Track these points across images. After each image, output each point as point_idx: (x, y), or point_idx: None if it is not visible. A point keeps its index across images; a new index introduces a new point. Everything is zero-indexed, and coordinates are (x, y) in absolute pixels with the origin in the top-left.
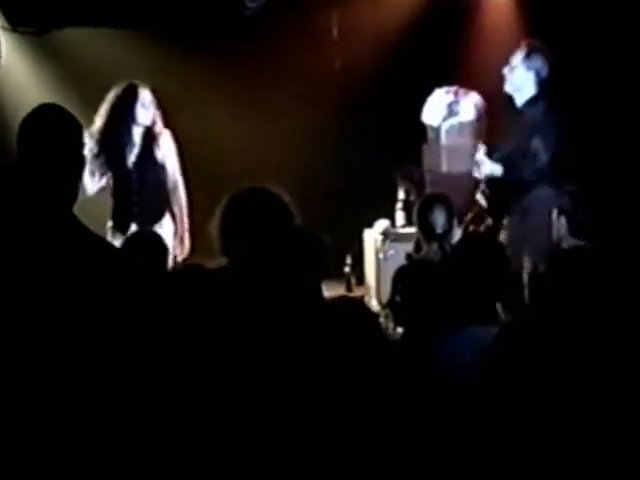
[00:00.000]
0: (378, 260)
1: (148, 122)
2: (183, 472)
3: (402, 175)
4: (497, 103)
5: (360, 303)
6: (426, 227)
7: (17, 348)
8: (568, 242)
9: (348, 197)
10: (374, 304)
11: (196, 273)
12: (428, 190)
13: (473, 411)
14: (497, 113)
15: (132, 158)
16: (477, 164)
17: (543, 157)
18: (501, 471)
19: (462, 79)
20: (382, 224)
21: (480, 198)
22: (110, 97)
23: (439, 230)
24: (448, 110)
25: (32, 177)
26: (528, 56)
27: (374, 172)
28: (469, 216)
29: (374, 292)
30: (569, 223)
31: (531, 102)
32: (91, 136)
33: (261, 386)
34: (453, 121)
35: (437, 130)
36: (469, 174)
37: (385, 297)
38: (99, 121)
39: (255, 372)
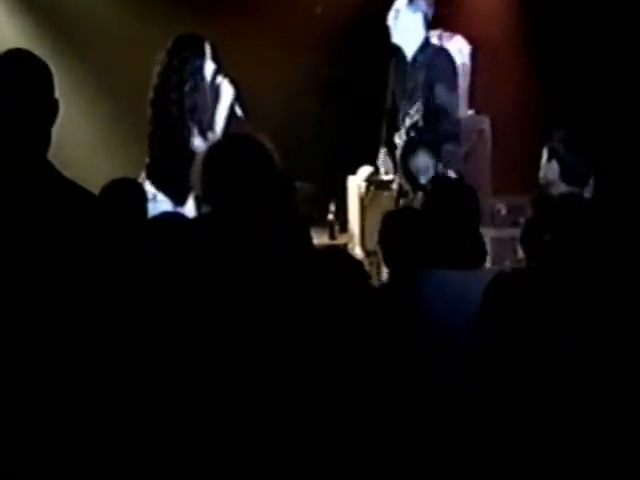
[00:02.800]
0: (362, 207)
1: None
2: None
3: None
4: (484, 48)
5: (345, 252)
6: (410, 174)
7: None
8: (559, 188)
9: (332, 144)
10: (358, 251)
11: (176, 221)
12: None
13: (465, 359)
14: (485, 57)
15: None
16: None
17: (453, 104)
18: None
19: (447, 22)
20: (366, 170)
21: (382, 164)
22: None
23: (422, 180)
24: None
25: (1, 123)
26: (411, 0)
27: (358, 118)
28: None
29: (358, 239)
30: (561, 168)
31: (422, 49)
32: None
33: (245, 337)
34: None
35: None
36: (454, 118)
37: (369, 244)
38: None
39: (237, 324)
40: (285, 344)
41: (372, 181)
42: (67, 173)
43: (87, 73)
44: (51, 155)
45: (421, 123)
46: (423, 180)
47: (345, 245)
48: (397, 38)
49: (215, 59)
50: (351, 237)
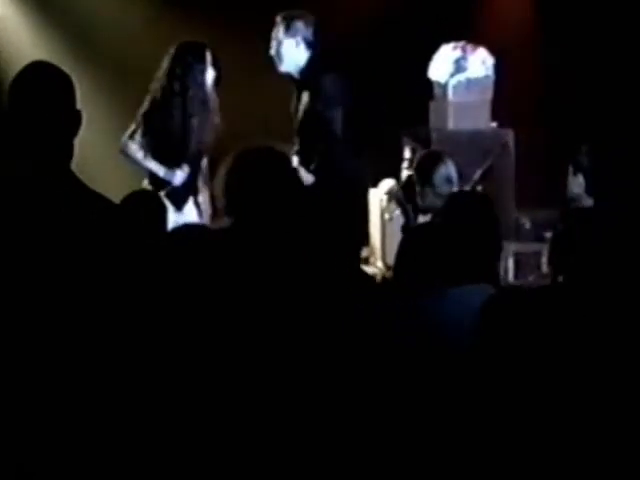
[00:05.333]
0: (383, 221)
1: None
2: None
3: (408, 133)
4: (507, 59)
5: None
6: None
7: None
8: (584, 202)
9: None
10: (379, 265)
11: (197, 233)
12: (434, 148)
13: (467, 373)
14: (508, 69)
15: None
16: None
17: (335, 112)
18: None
19: (471, 34)
20: (387, 184)
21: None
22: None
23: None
24: (455, 66)
25: (24, 136)
26: (288, 27)
27: (379, 130)
28: (478, 174)
29: (379, 253)
30: (588, 182)
31: (307, 70)
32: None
33: (259, 347)
34: (461, 77)
35: (444, 87)
36: (476, 131)
37: (390, 258)
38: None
39: (253, 335)
40: (296, 352)
41: (394, 194)
42: (90, 183)
43: (104, 79)
44: (73, 166)
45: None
46: (454, 189)
47: (366, 259)
48: (284, 67)
49: (216, 66)
50: (372, 250)
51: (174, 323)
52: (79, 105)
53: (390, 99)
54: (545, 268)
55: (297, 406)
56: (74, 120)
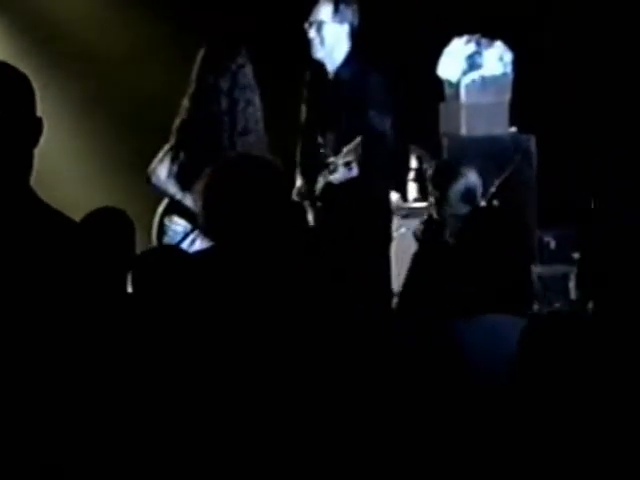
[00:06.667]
0: None
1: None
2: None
3: (415, 140)
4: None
5: None
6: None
7: None
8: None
9: None
10: None
11: (170, 256)
12: (445, 156)
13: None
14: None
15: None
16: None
17: (386, 127)
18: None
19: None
20: (392, 197)
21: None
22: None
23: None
24: (469, 63)
25: None
26: (337, 8)
27: None
28: (495, 186)
29: None
30: None
31: (345, 63)
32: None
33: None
34: (475, 75)
35: (456, 86)
36: (493, 137)
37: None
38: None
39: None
40: (294, 383)
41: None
42: (52, 202)
43: (71, 87)
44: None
45: (354, 168)
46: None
47: None
48: (321, 53)
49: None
50: None
51: (145, 347)
52: (41, 113)
53: (394, 100)
54: (573, 294)
55: (296, 407)
56: (34, 128)
